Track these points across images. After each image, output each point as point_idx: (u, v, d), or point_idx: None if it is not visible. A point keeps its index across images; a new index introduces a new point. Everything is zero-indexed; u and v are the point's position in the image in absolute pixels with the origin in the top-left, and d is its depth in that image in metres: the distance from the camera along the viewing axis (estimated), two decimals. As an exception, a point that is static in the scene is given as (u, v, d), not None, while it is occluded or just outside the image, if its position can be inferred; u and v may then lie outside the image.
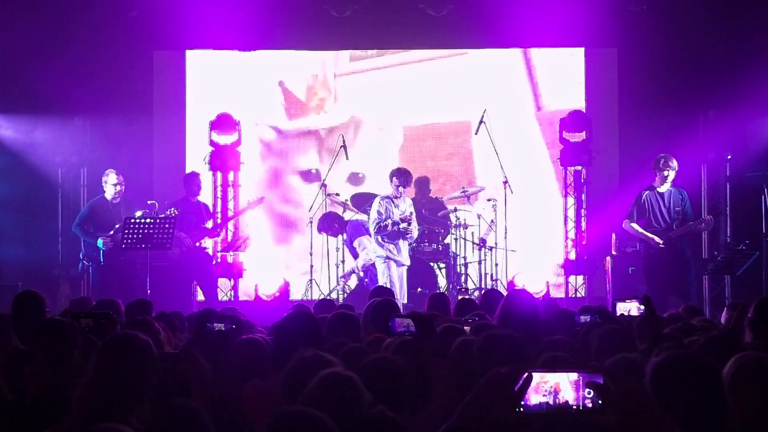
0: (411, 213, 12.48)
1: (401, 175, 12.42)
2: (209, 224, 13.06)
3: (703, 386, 3.19)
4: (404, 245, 12.52)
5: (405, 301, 12.20)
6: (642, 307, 6.00)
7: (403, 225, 12.25)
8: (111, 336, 4.25)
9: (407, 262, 12.59)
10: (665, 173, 11.96)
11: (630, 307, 6.13)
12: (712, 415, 3.17)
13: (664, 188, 12.04)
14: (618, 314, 6.19)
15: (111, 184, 12.54)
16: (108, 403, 3.75)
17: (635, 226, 12.12)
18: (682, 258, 12.09)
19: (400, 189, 12.37)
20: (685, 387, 3.17)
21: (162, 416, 3.68)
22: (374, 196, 13.70)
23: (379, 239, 12.42)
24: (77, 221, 12.72)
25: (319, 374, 3.66)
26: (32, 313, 6.66)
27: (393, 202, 12.42)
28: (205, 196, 13.51)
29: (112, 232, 12.20)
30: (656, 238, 11.94)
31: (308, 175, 14.97)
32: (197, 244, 12.79)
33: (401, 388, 4.19)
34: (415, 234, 12.67)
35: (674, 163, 12.00)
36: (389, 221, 12.30)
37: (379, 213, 12.39)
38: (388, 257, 12.40)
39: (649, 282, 12.15)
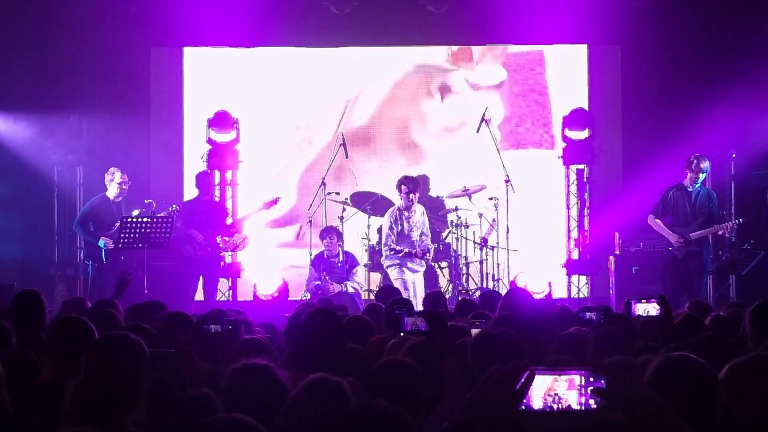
0: (425, 228, 12.46)
1: (408, 182, 12.22)
2: (229, 220, 12.99)
3: (700, 389, 3.19)
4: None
5: (421, 308, 12.04)
6: (659, 307, 5.93)
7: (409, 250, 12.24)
8: (101, 336, 4.19)
9: (421, 268, 12.52)
10: (696, 175, 11.87)
11: (648, 308, 6.06)
12: (709, 417, 3.17)
13: (693, 188, 11.93)
14: (635, 315, 6.12)
15: (116, 183, 12.42)
16: (100, 402, 3.69)
17: (659, 222, 11.99)
18: (700, 259, 11.97)
19: (411, 196, 12.17)
20: (681, 389, 3.16)
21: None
22: (374, 194, 13.60)
23: (392, 247, 12.37)
24: (78, 219, 12.60)
25: (307, 378, 3.58)
26: (32, 313, 6.53)
27: (404, 216, 12.29)
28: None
29: (113, 231, 12.06)
30: (676, 237, 11.81)
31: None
32: (217, 240, 12.71)
33: (415, 390, 4.11)
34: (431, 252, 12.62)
35: (706, 165, 11.95)
36: (402, 249, 12.22)
37: (390, 229, 12.29)
38: (400, 264, 12.35)
39: (664, 280, 12.00)
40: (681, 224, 11.90)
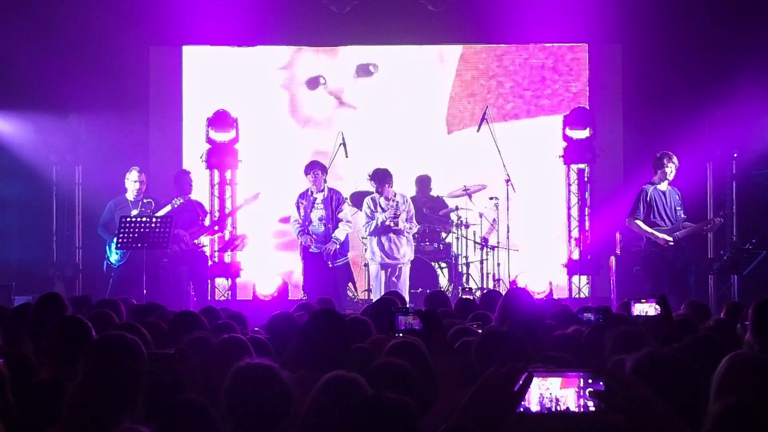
0: (402, 210, 12.43)
1: (374, 177, 12.43)
2: (207, 221, 12.87)
3: (680, 386, 3.19)
4: (402, 243, 12.44)
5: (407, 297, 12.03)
6: (658, 307, 5.90)
7: (388, 218, 12.27)
8: (98, 337, 4.18)
9: (405, 259, 12.48)
10: (667, 170, 11.73)
11: (647, 309, 6.04)
12: (689, 415, 3.13)
13: (664, 186, 11.83)
14: (635, 315, 6.09)
15: (132, 181, 12.39)
16: (98, 403, 3.72)
17: (641, 224, 11.84)
18: (686, 259, 11.88)
19: (378, 189, 12.38)
20: (660, 387, 3.05)
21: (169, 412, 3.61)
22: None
23: (371, 242, 12.43)
24: (100, 223, 12.59)
25: (324, 377, 3.58)
26: (53, 317, 6.51)
27: (377, 202, 12.40)
28: (203, 195, 13.33)
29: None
30: (666, 237, 11.67)
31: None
32: (195, 242, 12.62)
33: (408, 391, 4.04)
34: (413, 229, 12.60)
35: (676, 161, 11.79)
36: (374, 222, 12.27)
37: (366, 215, 12.43)
38: (377, 262, 12.45)
39: (651, 281, 11.89)
40: (664, 224, 11.79)
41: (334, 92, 15.15)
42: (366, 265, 13.25)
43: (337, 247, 12.33)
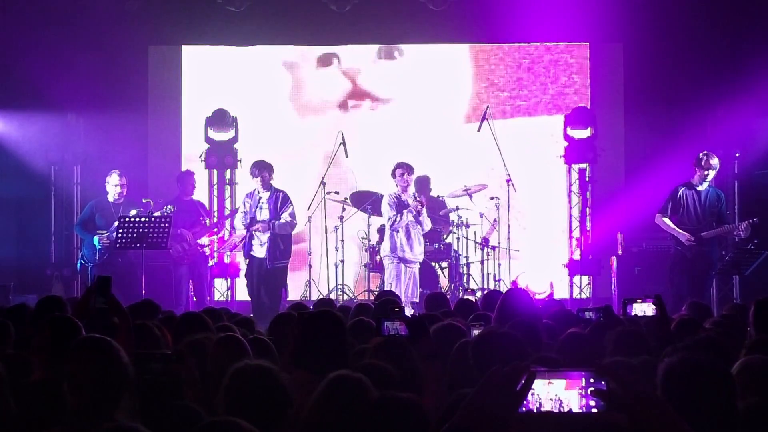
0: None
1: (404, 164, 12.38)
2: (207, 222, 12.82)
3: (716, 391, 3.13)
4: (417, 242, 12.37)
5: (417, 300, 11.99)
6: (655, 307, 5.87)
7: (413, 204, 12.22)
8: (75, 341, 4.22)
9: (419, 258, 12.42)
10: (706, 172, 11.62)
11: (645, 308, 6.01)
12: (724, 421, 3.10)
13: (702, 187, 11.72)
14: (632, 315, 6.05)
15: (113, 185, 12.33)
16: (82, 405, 3.73)
17: (667, 221, 11.73)
18: (709, 259, 11.80)
19: (406, 176, 12.30)
20: (697, 392, 3.10)
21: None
22: (374, 194, 13.53)
23: (394, 237, 12.28)
24: (78, 221, 12.64)
25: (328, 376, 3.60)
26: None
27: (401, 198, 12.32)
28: (202, 194, 13.29)
29: (105, 233, 11.99)
30: (688, 235, 11.59)
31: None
32: (197, 241, 12.60)
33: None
34: (428, 225, 12.50)
35: (716, 162, 11.64)
36: (401, 218, 12.18)
37: (390, 207, 12.30)
38: (398, 257, 12.28)
39: (672, 280, 11.81)
40: (691, 224, 11.69)
41: (333, 91, 15.11)
42: (366, 265, 13.20)
43: (268, 221, 12.09)
